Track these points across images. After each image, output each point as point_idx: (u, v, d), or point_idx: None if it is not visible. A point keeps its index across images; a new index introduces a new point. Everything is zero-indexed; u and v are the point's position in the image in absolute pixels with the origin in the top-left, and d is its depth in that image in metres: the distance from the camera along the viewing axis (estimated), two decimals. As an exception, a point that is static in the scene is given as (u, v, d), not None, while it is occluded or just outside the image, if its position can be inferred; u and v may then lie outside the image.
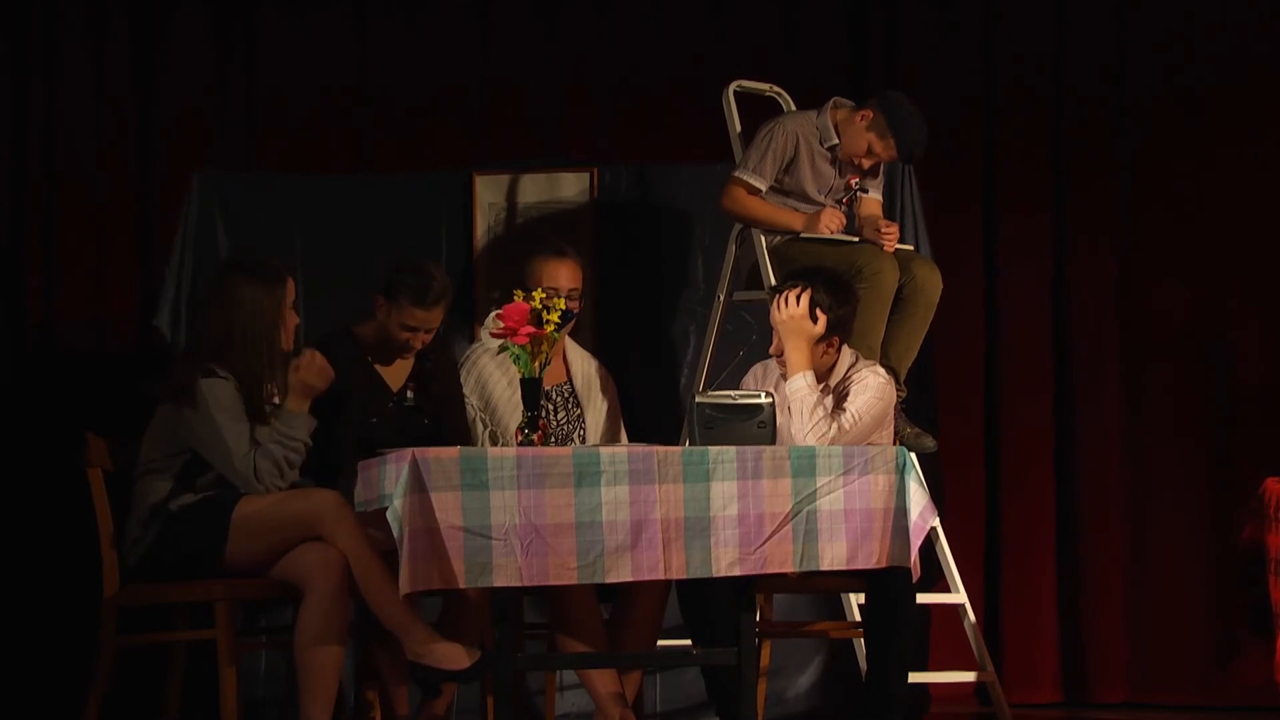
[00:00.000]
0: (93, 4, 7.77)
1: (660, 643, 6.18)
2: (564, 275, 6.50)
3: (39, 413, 7.45)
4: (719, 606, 5.77)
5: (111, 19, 7.77)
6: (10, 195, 7.70)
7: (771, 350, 6.13)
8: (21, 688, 7.31)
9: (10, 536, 7.38)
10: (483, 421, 6.45)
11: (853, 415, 5.98)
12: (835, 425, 5.94)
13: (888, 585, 5.75)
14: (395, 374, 6.28)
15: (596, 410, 6.60)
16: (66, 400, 7.42)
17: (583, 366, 6.64)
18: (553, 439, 6.17)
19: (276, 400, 5.80)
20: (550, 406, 6.53)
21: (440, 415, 6.29)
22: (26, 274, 7.69)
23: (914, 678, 6.21)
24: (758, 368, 6.30)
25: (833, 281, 6.09)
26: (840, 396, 6.06)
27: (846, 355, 6.15)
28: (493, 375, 6.46)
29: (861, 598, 6.19)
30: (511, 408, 6.36)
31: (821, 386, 6.03)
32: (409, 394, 6.26)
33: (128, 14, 7.77)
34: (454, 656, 5.46)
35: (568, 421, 6.55)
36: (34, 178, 7.73)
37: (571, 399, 6.58)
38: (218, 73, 7.82)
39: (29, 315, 7.66)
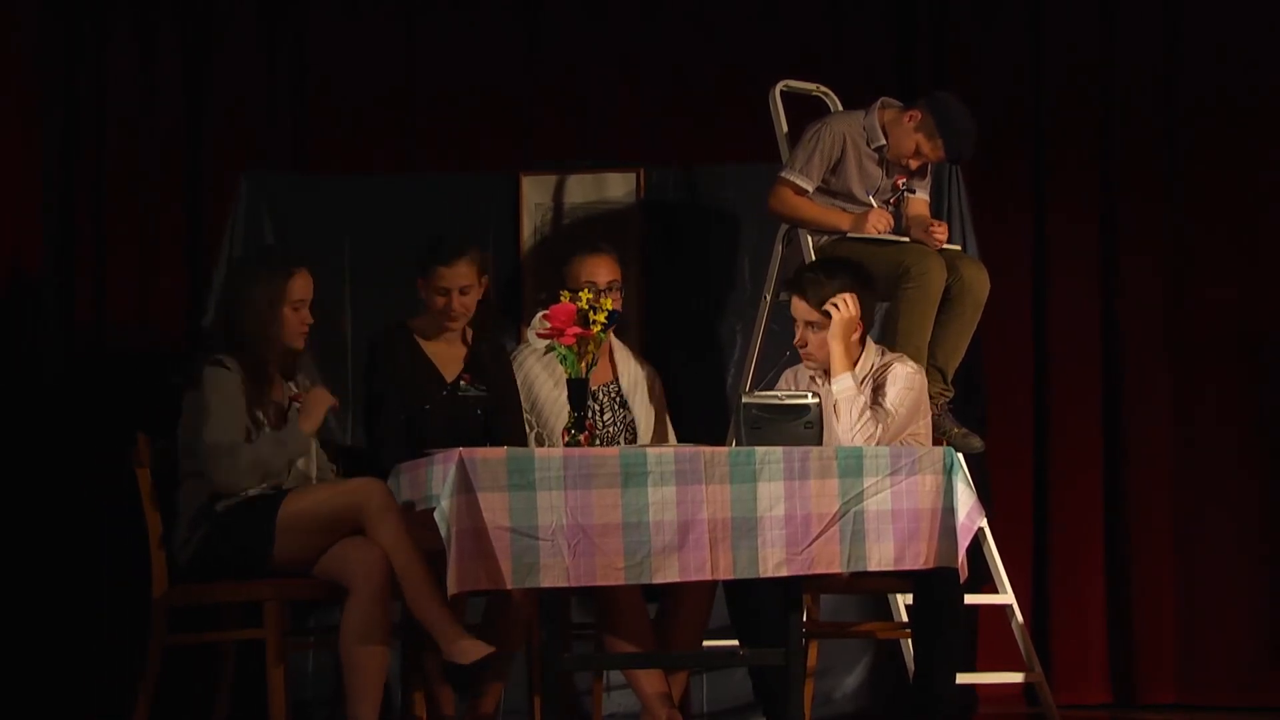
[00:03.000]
0: (142, 3, 7.80)
1: (707, 643, 6.19)
2: (602, 270, 6.52)
3: (89, 414, 7.47)
4: (766, 607, 5.76)
5: (161, 18, 7.79)
6: (61, 197, 7.73)
7: (796, 343, 6.13)
8: (73, 687, 7.34)
9: (64, 536, 7.41)
10: (529, 422, 6.45)
11: (888, 411, 5.98)
12: (879, 425, 5.94)
13: (935, 586, 5.74)
14: (449, 364, 6.29)
15: (644, 411, 6.60)
16: (115, 402, 7.44)
17: (630, 367, 6.65)
18: (599, 439, 6.17)
19: (288, 401, 5.82)
20: (597, 407, 6.53)
21: (495, 406, 6.29)
22: (77, 276, 7.71)
23: (961, 678, 6.21)
24: (789, 372, 6.30)
25: (858, 272, 6.09)
26: (874, 389, 6.05)
27: (871, 347, 6.14)
28: (539, 376, 6.47)
29: (909, 598, 6.19)
30: (558, 409, 6.36)
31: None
32: (462, 383, 6.26)
33: (177, 14, 7.80)
34: (470, 651, 5.41)
35: (614, 422, 6.56)
36: (84, 181, 7.75)
37: (618, 399, 6.59)
38: (266, 73, 7.83)
39: (79, 317, 7.69)
